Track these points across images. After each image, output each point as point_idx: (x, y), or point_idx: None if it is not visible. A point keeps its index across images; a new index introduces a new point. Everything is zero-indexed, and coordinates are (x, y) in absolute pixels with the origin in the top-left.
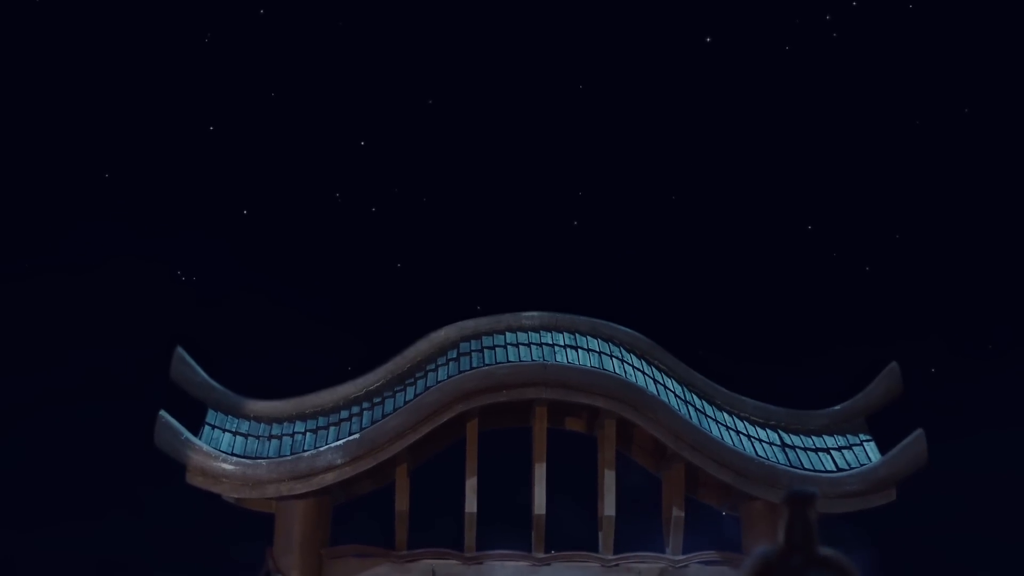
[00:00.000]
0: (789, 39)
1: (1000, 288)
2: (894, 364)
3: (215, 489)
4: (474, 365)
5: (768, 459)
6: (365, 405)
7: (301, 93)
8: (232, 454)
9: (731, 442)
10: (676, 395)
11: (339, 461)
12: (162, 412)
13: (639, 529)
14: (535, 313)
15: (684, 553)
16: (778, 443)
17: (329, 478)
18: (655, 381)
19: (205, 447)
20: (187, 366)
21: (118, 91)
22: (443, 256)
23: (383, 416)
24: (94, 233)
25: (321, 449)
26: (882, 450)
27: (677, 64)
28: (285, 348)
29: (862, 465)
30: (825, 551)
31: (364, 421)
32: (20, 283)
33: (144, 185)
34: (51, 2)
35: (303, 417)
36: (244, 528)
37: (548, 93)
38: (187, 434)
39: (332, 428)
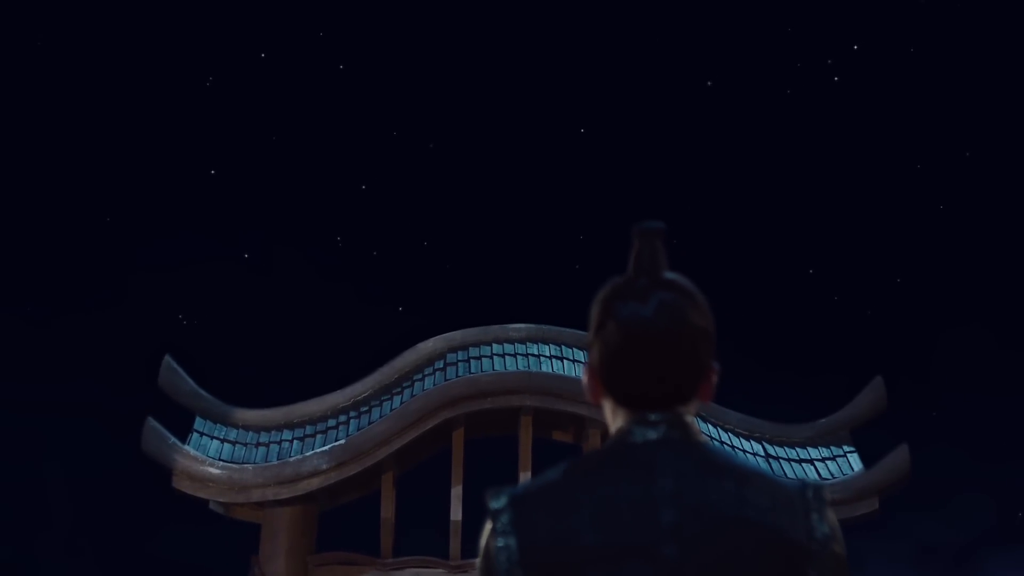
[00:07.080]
0: (790, 83)
1: (996, 325)
2: (878, 378)
3: (202, 494)
4: (460, 375)
5: None
6: (352, 413)
7: (302, 137)
8: (219, 459)
9: None
10: None
11: (325, 466)
12: (149, 418)
13: None
14: (522, 325)
15: None
16: (762, 454)
17: (315, 483)
18: None
19: (192, 451)
20: (175, 374)
21: (115, 132)
22: (444, 296)
23: (369, 423)
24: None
25: (307, 454)
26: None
27: (678, 108)
28: (276, 360)
29: (845, 475)
30: (670, 274)
31: (351, 428)
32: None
33: (145, 228)
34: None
35: (291, 425)
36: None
37: (550, 137)
38: (174, 439)
39: (319, 436)
